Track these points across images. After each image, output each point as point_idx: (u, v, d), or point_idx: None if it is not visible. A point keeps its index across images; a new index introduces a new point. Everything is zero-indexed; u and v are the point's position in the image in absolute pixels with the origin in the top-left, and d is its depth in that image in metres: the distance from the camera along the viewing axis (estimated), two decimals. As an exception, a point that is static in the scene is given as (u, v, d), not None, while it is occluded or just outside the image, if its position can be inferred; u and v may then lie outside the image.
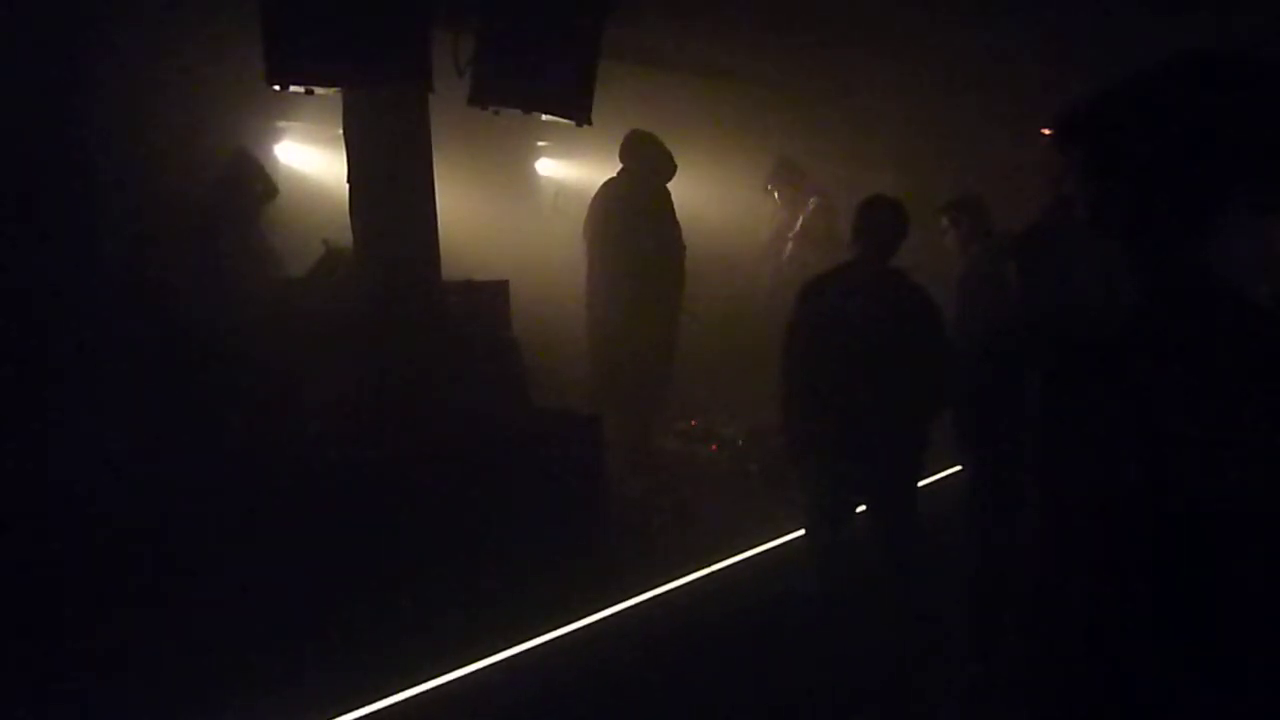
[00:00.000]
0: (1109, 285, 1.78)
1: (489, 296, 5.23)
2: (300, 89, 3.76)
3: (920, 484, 4.18)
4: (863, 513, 4.16)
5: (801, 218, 7.02)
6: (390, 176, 4.50)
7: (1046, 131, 8.10)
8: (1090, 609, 1.60)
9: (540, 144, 7.61)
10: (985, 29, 6.13)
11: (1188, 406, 1.48)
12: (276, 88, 3.71)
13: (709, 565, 4.75)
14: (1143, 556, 1.51)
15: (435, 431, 4.47)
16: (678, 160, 6.02)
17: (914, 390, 3.84)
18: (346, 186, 4.56)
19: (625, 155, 5.94)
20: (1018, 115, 7.36)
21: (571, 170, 7.76)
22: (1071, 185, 1.71)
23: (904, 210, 4.00)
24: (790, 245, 7.06)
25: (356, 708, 3.42)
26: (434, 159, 4.64)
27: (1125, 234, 1.60)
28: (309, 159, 6.31)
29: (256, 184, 5.45)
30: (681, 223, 6.03)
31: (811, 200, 7.00)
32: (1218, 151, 1.51)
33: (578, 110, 4.70)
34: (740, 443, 6.37)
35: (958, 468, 5.54)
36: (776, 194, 7.26)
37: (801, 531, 4.53)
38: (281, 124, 6.17)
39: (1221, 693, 1.46)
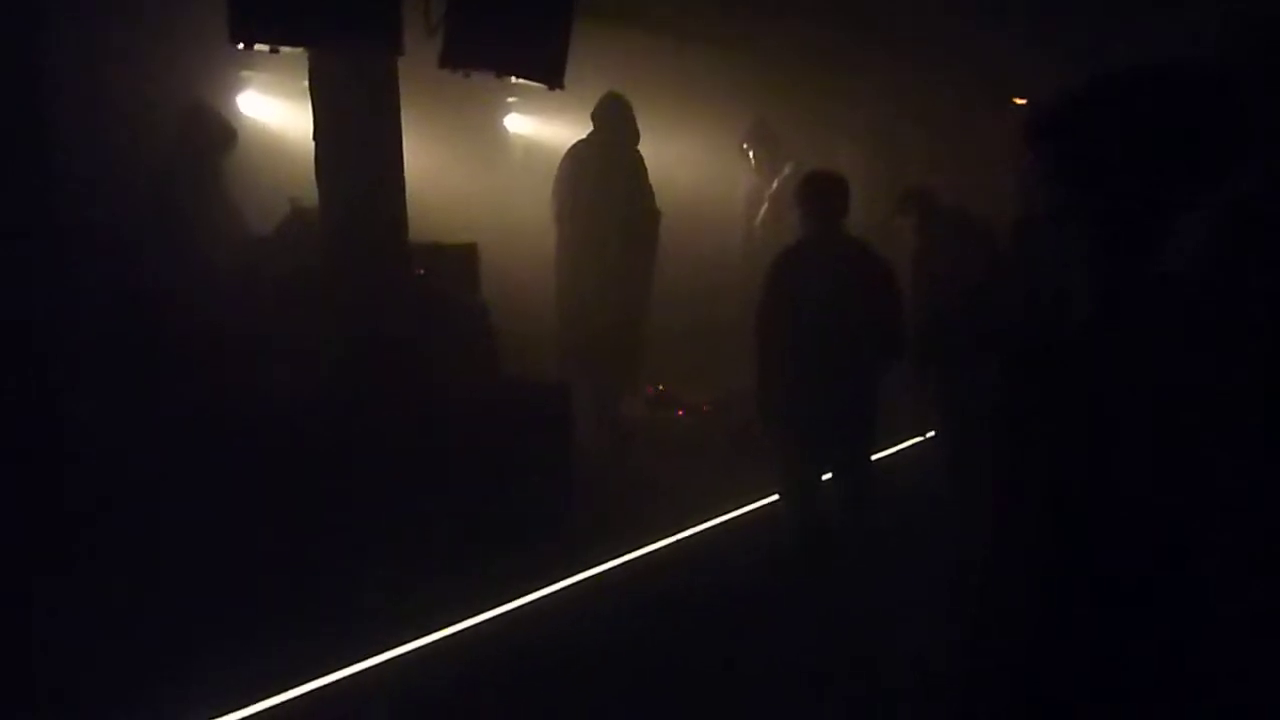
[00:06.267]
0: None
1: (457, 259, 5.16)
2: (265, 48, 3.63)
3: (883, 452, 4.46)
4: (828, 479, 4.37)
5: (776, 182, 6.94)
6: (357, 136, 4.41)
7: (1019, 100, 8.14)
8: (1038, 601, 1.61)
9: (510, 100, 7.45)
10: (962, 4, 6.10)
11: (1139, 405, 1.50)
12: (240, 46, 3.58)
13: (676, 532, 4.78)
14: (1091, 552, 1.53)
15: (402, 398, 4.42)
16: (650, 124, 5.96)
17: (876, 344, 4.14)
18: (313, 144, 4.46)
19: (599, 117, 5.84)
20: (990, 88, 7.37)
21: (542, 127, 7.60)
22: (1036, 184, 1.73)
23: (844, 180, 4.24)
24: (764, 209, 7.00)
25: (323, 674, 3.42)
26: (404, 120, 4.54)
27: (1086, 234, 1.62)
28: (274, 111, 6.11)
29: (214, 128, 5.18)
30: (655, 188, 5.98)
31: (788, 166, 6.92)
32: (1179, 156, 1.53)
33: (550, 73, 4.60)
34: (706, 408, 6.38)
35: (918, 438, 5.67)
36: (751, 154, 7.14)
37: (769, 499, 4.64)
38: (245, 74, 5.97)
39: (1165, 682, 1.50)
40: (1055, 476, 1.57)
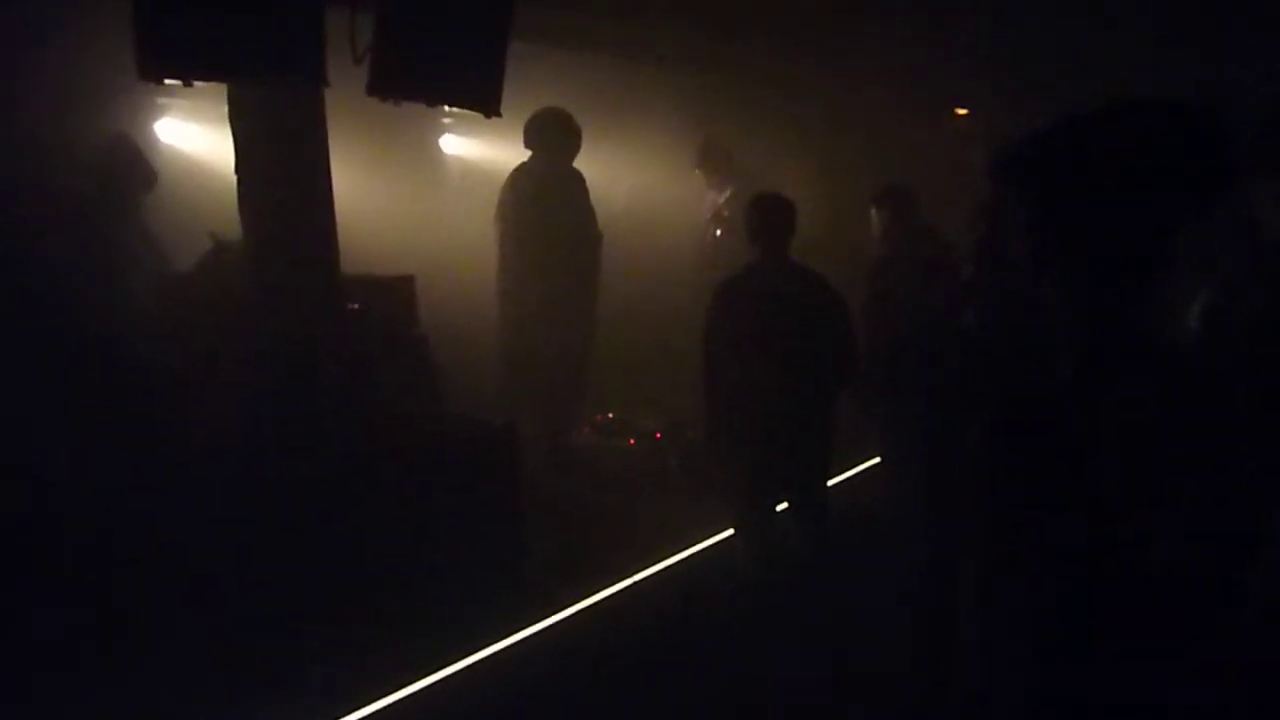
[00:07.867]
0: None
1: (394, 293, 4.95)
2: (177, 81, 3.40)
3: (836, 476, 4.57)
4: (784, 508, 4.38)
5: (720, 202, 6.86)
6: (282, 165, 4.19)
7: (961, 111, 8.18)
8: (1027, 662, 1.56)
9: (445, 120, 7.23)
10: (901, 22, 6.09)
11: (1125, 466, 1.45)
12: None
13: (634, 572, 4.66)
14: (1081, 615, 1.49)
15: (338, 440, 4.21)
16: (594, 146, 5.83)
17: (826, 371, 4.18)
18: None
19: (532, 139, 5.67)
20: (932, 105, 7.37)
21: (480, 147, 7.38)
22: (1011, 230, 1.69)
23: (789, 203, 4.26)
24: (714, 231, 6.90)
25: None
26: (329, 139, 4.32)
27: (1063, 284, 1.55)
28: (194, 138, 5.85)
29: (135, 169, 5.05)
30: (597, 209, 5.86)
31: (728, 188, 6.83)
32: (1156, 199, 1.47)
33: (487, 101, 4.42)
34: (658, 435, 6.26)
35: (872, 462, 5.59)
36: (703, 176, 7.08)
37: (726, 532, 4.56)
38: (163, 100, 5.69)
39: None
40: (1046, 542, 1.52)
